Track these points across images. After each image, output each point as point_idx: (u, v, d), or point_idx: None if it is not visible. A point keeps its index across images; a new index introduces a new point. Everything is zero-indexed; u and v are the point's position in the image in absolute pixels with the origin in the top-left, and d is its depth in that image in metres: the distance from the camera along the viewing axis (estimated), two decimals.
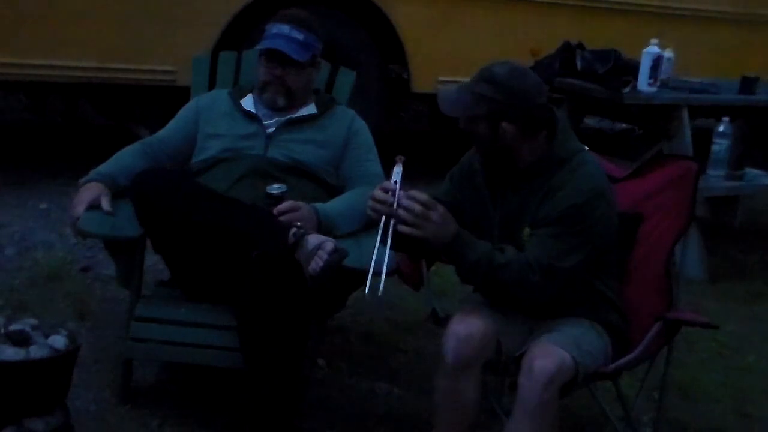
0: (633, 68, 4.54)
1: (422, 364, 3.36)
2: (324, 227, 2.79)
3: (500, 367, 2.56)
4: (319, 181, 2.99)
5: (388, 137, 4.25)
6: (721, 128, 4.48)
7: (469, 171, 2.66)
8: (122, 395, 2.90)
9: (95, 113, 5.63)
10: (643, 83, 4.49)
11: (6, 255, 3.82)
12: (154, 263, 3.26)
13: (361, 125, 3.12)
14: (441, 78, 5.17)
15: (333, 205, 2.89)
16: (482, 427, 2.75)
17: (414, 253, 2.66)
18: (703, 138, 4.67)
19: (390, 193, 2.39)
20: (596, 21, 5.60)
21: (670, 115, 4.63)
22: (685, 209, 2.76)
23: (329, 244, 2.58)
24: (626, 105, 4.56)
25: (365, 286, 2.36)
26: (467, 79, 2.54)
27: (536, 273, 2.42)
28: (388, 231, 2.37)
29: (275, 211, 2.76)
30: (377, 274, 2.39)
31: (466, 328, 2.45)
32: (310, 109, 3.08)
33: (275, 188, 2.86)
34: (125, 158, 3.01)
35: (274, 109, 3.04)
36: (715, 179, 4.50)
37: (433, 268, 2.79)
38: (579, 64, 4.69)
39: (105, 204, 2.83)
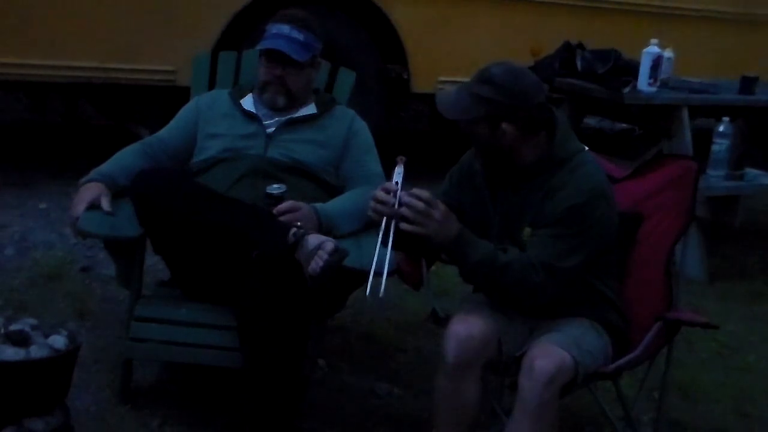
0: (633, 68, 4.54)
1: (422, 364, 3.37)
2: (324, 227, 2.79)
3: (500, 367, 2.56)
4: (319, 181, 2.99)
5: (388, 137, 4.25)
6: (721, 128, 4.48)
7: (469, 171, 2.66)
8: (122, 395, 2.90)
9: (95, 113, 5.64)
10: (643, 83, 4.49)
11: (6, 255, 3.82)
12: (154, 263, 3.26)
13: (361, 125, 3.12)
14: (441, 78, 5.18)
15: (333, 205, 2.89)
16: (482, 427, 2.75)
17: (415, 252, 2.66)
18: (703, 138, 4.67)
19: (391, 193, 2.39)
20: (596, 21, 5.60)
21: (670, 115, 4.63)
22: (685, 209, 2.76)
23: (329, 244, 2.58)
24: (626, 105, 4.57)
25: (366, 287, 2.36)
26: (467, 80, 2.54)
27: (538, 273, 2.43)
28: (389, 232, 2.37)
29: (275, 211, 2.76)
30: (378, 275, 2.39)
31: (466, 329, 2.45)
32: (310, 109, 3.08)
33: (275, 188, 2.85)
34: (125, 158, 3.01)
35: (274, 109, 3.04)
36: (715, 179, 4.50)
37: (433, 268, 2.79)
38: (579, 64, 4.69)
39: (105, 204, 2.83)
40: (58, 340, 2.53)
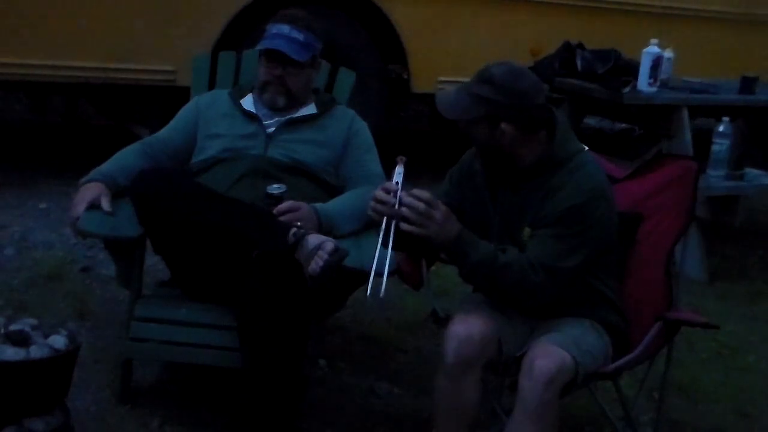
0: (633, 68, 4.54)
1: (422, 364, 3.37)
2: (324, 227, 2.79)
3: (500, 367, 2.56)
4: (319, 181, 2.99)
5: (388, 137, 4.25)
6: (721, 128, 4.48)
7: (468, 171, 2.66)
8: (122, 395, 2.90)
9: (95, 113, 5.64)
10: (643, 83, 4.49)
11: (6, 255, 3.82)
12: (154, 263, 3.26)
13: (361, 125, 3.12)
14: (441, 78, 5.18)
15: (333, 205, 2.89)
16: (482, 427, 2.75)
17: (415, 252, 2.66)
18: (703, 138, 4.67)
19: (391, 193, 2.39)
20: (596, 21, 5.60)
21: (670, 116, 4.63)
22: (685, 209, 2.75)
23: (329, 244, 2.58)
24: (626, 105, 4.57)
25: (366, 287, 2.36)
26: (467, 80, 2.54)
27: (538, 273, 2.43)
28: (389, 232, 2.37)
29: (275, 211, 2.76)
30: (378, 275, 2.39)
31: (466, 329, 2.45)
32: (310, 109, 3.08)
33: (275, 188, 2.86)
34: (125, 158, 3.01)
35: (274, 109, 3.04)
36: (715, 179, 4.50)
37: (433, 268, 2.79)
38: (579, 64, 4.69)
39: (105, 204, 2.83)
40: (58, 340, 2.53)
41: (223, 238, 2.70)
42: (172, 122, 3.13)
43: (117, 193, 2.89)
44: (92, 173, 2.93)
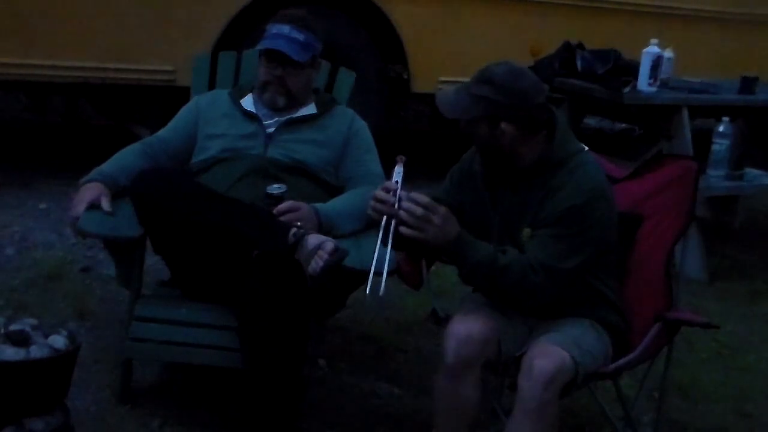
0: (633, 68, 4.54)
1: (422, 364, 3.37)
2: (324, 227, 2.79)
3: (500, 367, 2.56)
4: (319, 181, 2.99)
5: (388, 137, 4.25)
6: (721, 128, 4.48)
7: (469, 171, 2.66)
8: (122, 395, 2.90)
9: (95, 113, 5.63)
10: (643, 83, 4.49)
11: (6, 255, 3.82)
12: (154, 263, 3.26)
13: (361, 125, 3.12)
14: (441, 78, 5.18)
15: (333, 205, 2.89)
16: (482, 427, 2.75)
17: (415, 252, 2.66)
18: (703, 138, 4.67)
19: (391, 193, 2.39)
20: (596, 21, 5.60)
21: (670, 116, 4.63)
22: (685, 209, 2.76)
23: (329, 244, 2.58)
24: (626, 105, 4.56)
25: (366, 286, 2.36)
26: (467, 80, 2.54)
27: (538, 274, 2.43)
28: (389, 231, 2.37)
29: (275, 211, 2.76)
30: (378, 274, 2.39)
31: (466, 329, 2.45)
32: (310, 109, 3.08)
33: (275, 188, 2.86)
34: (126, 158, 3.01)
35: (274, 109, 3.04)
36: (715, 179, 4.50)
37: (433, 268, 2.79)
38: (579, 64, 4.69)
39: (105, 204, 2.83)
40: (58, 340, 2.53)
41: (223, 238, 2.70)
42: (172, 122, 3.13)
43: (117, 193, 2.89)
44: (92, 173, 2.93)
